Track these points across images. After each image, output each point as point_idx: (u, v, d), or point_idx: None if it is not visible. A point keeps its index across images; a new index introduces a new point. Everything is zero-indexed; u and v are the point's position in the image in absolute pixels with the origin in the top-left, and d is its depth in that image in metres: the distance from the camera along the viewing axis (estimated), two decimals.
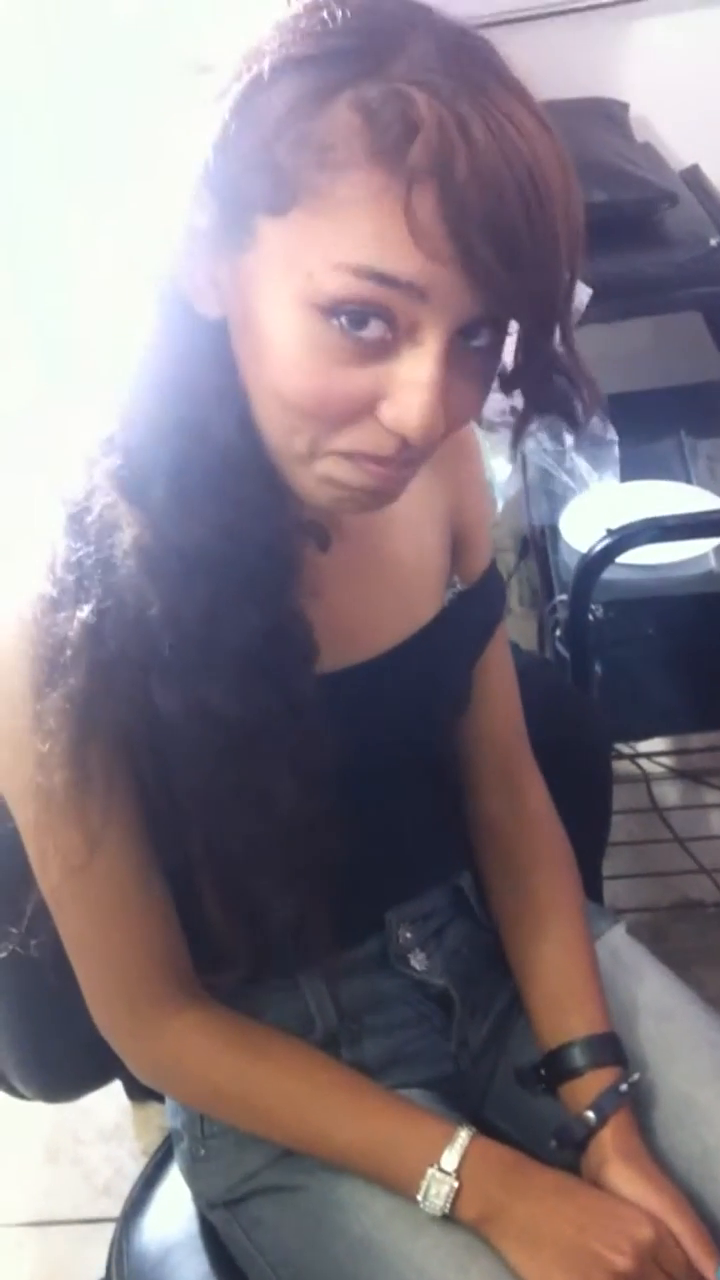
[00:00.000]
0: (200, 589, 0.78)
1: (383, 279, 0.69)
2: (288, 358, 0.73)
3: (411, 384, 0.73)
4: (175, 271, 0.75)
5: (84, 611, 0.79)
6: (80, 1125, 1.95)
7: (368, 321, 0.71)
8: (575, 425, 0.84)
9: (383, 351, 0.72)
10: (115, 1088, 1.24)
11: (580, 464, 1.69)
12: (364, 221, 0.68)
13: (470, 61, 0.69)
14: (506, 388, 0.82)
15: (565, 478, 1.70)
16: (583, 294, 1.65)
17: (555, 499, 1.72)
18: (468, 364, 0.75)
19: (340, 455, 0.77)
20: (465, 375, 0.76)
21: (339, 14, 0.69)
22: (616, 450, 1.71)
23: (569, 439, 1.67)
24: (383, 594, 0.97)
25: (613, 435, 1.70)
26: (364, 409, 0.74)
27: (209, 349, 0.76)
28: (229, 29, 0.75)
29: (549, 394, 0.81)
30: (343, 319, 0.71)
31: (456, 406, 0.76)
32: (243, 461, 0.77)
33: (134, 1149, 1.91)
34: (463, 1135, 0.90)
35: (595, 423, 1.67)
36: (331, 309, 0.70)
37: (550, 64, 2.34)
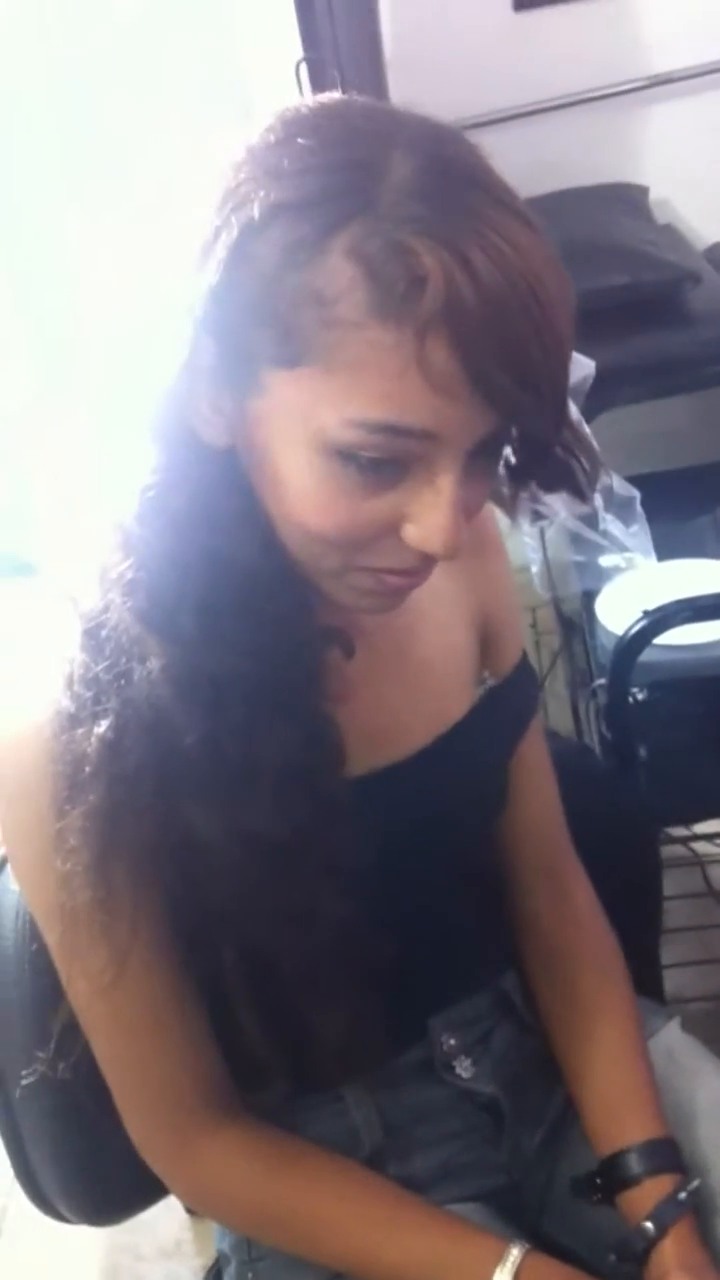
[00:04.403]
0: (236, 712, 0.78)
1: (398, 431, 0.70)
2: (308, 495, 0.74)
3: (433, 508, 0.74)
4: (176, 404, 0.75)
5: (102, 727, 0.78)
6: (140, 1242, 1.91)
7: (384, 464, 0.72)
8: (583, 497, 0.84)
9: (402, 476, 0.73)
10: (174, 1202, 1.21)
11: (612, 523, 1.68)
12: (377, 379, 0.68)
13: (453, 176, 0.69)
14: (517, 480, 0.82)
15: (599, 539, 1.69)
16: (586, 366, 1.65)
17: (589, 569, 1.70)
18: (479, 466, 0.76)
19: (367, 570, 0.78)
20: (477, 476, 0.77)
21: (316, 144, 0.69)
22: (638, 505, 1.70)
23: (598, 500, 1.67)
24: (410, 695, 0.96)
25: (633, 491, 1.69)
26: (388, 530, 0.76)
27: (222, 478, 0.76)
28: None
29: (555, 473, 0.82)
30: (359, 460, 0.72)
31: (472, 506, 0.78)
32: (270, 581, 0.78)
33: (195, 1266, 1.86)
34: (515, 1253, 0.87)
35: (618, 482, 1.67)
36: (347, 456, 0.71)
37: (569, 153, 2.41)
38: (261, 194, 0.68)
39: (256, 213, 0.68)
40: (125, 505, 0.77)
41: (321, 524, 0.75)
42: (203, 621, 0.77)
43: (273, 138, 0.71)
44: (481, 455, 0.75)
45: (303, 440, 0.72)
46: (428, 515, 0.74)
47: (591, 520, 1.65)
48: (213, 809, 0.79)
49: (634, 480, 1.71)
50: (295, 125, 0.71)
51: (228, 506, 0.76)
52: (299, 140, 0.69)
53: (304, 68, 2.09)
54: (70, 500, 0.84)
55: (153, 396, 0.75)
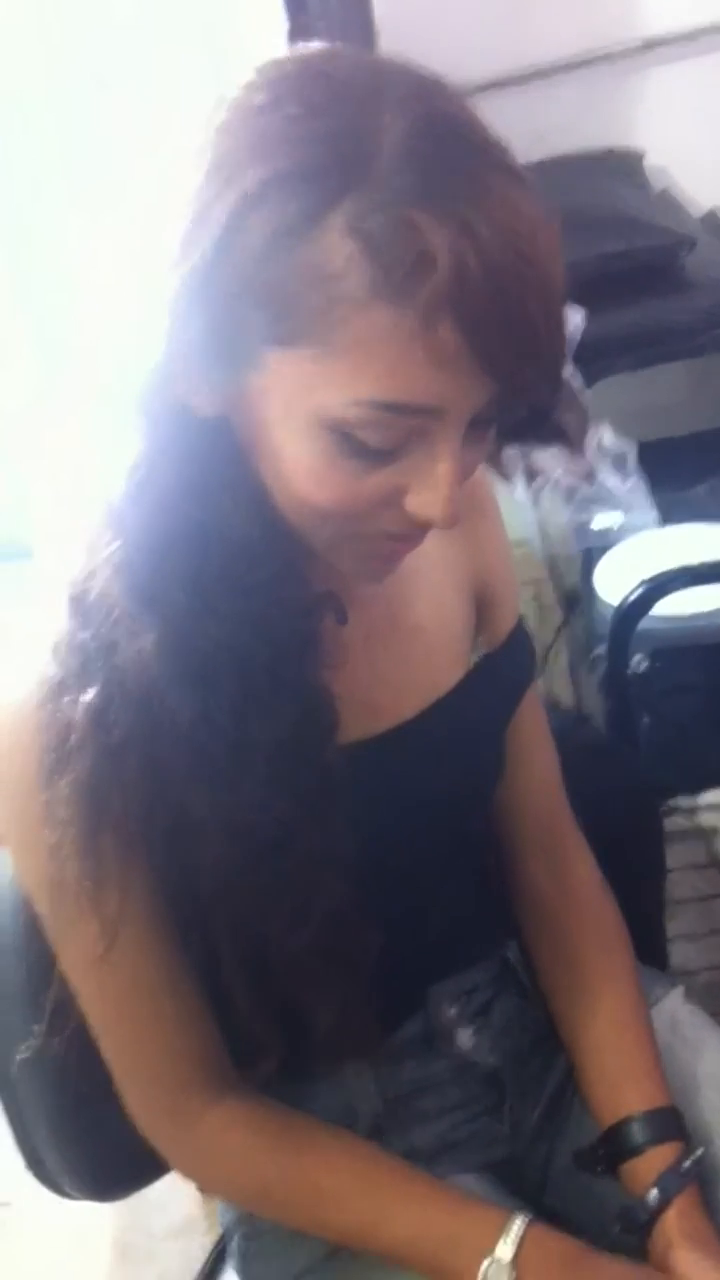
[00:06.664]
0: (230, 686, 0.77)
1: (402, 409, 0.69)
2: (307, 470, 0.73)
3: (432, 477, 0.73)
4: (165, 378, 0.73)
5: (88, 695, 0.77)
6: (151, 1221, 1.91)
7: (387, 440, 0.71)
8: (573, 449, 0.83)
9: (402, 449, 0.73)
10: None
11: (608, 477, 1.66)
12: (380, 359, 0.67)
13: (446, 137, 0.67)
14: (511, 441, 0.81)
15: (596, 495, 1.67)
16: (575, 314, 1.63)
17: (587, 529, 1.68)
18: (475, 433, 0.75)
19: (364, 536, 0.77)
20: (473, 442, 0.76)
21: (304, 110, 0.67)
22: (633, 458, 1.68)
23: (593, 456, 1.65)
24: (404, 661, 0.94)
25: (626, 444, 1.68)
26: (387, 501, 0.75)
27: (212, 447, 0.75)
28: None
29: (546, 429, 0.81)
30: (359, 438, 0.71)
31: (468, 470, 0.77)
32: (262, 549, 0.76)
33: (206, 1243, 1.85)
34: (518, 1223, 0.86)
35: (611, 437, 1.65)
36: (350, 434, 0.70)
37: (563, 119, 2.39)
38: (253, 166, 0.66)
39: (249, 186, 0.66)
40: (113, 478, 0.76)
41: (321, 497, 0.74)
42: (194, 594, 0.75)
43: (259, 99, 0.68)
44: (478, 422, 0.74)
45: (302, 417, 0.71)
46: (427, 485, 0.74)
47: (588, 477, 1.63)
48: (205, 784, 0.78)
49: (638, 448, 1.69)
50: (281, 86, 0.68)
51: (219, 476, 0.75)
52: (287, 106, 0.67)
53: (293, 38, 2.07)
54: (68, 487, 0.83)
55: (140, 370, 0.73)
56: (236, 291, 0.68)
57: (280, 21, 1.93)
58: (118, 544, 0.76)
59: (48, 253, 2.06)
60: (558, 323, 0.69)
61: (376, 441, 0.71)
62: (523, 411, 0.78)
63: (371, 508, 0.75)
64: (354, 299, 0.66)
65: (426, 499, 0.74)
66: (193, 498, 0.75)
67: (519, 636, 1.04)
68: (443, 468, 0.73)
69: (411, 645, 0.95)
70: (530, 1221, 0.86)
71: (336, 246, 0.65)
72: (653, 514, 1.67)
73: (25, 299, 2.08)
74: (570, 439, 0.83)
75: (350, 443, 0.71)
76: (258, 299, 0.68)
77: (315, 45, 0.73)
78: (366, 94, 0.67)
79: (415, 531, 0.78)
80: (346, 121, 0.66)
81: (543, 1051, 1.06)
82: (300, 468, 0.73)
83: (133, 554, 0.76)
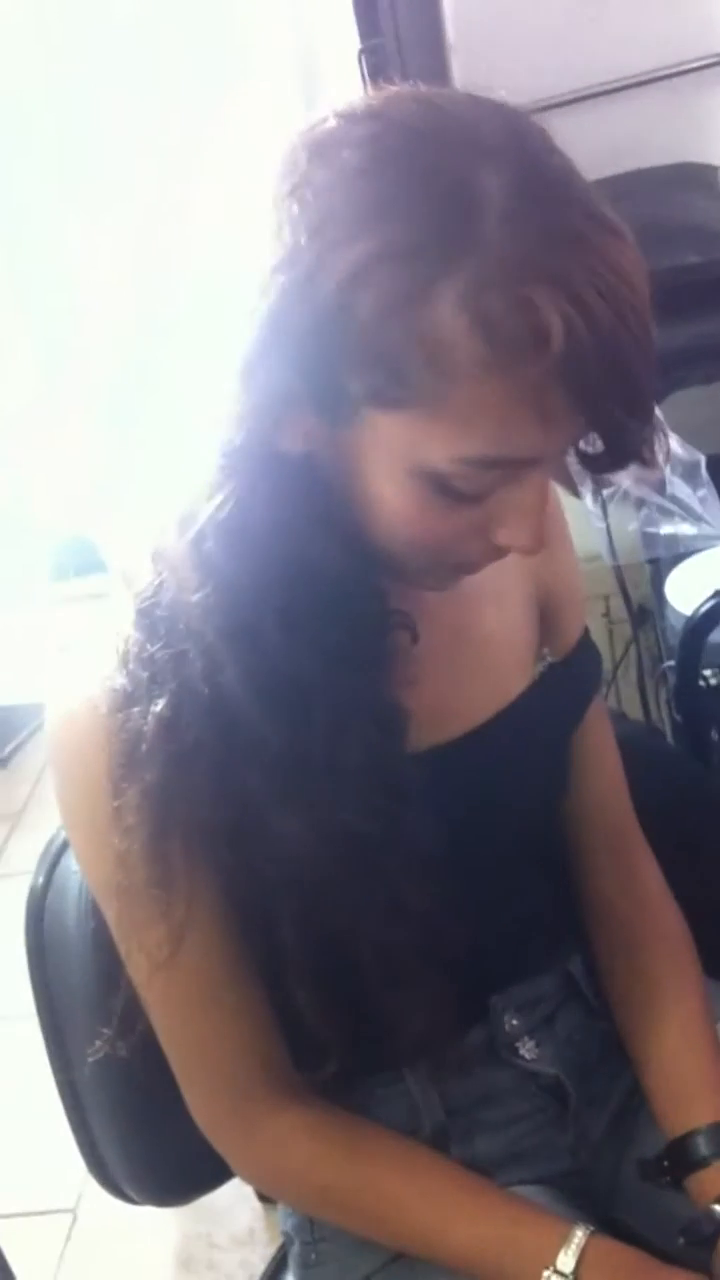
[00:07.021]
0: (319, 715, 0.78)
1: (504, 463, 0.71)
2: (400, 513, 0.74)
3: (522, 512, 0.75)
4: (256, 425, 0.73)
5: (159, 706, 0.78)
6: (214, 1230, 1.91)
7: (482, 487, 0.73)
8: (653, 466, 0.82)
9: (494, 491, 0.74)
10: (247, 1190, 1.20)
11: (679, 487, 1.65)
12: (486, 422, 0.69)
13: (546, 192, 0.67)
14: (597, 470, 0.80)
15: (667, 505, 1.66)
16: None
17: (656, 538, 1.67)
18: (560, 463, 0.77)
19: (449, 564, 0.81)
20: (555, 471, 0.79)
21: (404, 177, 0.67)
22: (704, 469, 1.66)
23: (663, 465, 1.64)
24: (470, 672, 0.95)
25: (697, 454, 1.66)
26: (477, 533, 0.77)
27: (297, 485, 0.76)
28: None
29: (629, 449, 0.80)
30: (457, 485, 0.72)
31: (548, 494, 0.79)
32: (349, 579, 0.78)
33: (268, 1254, 1.85)
34: (579, 1235, 0.85)
35: (681, 446, 1.64)
36: (446, 482, 0.72)
37: (638, 133, 2.36)
38: (359, 239, 0.66)
39: (357, 259, 0.66)
40: (191, 506, 0.77)
41: (413, 535, 0.76)
42: (282, 623, 0.77)
43: (356, 160, 0.68)
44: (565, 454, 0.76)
45: (398, 467, 0.72)
46: (517, 519, 0.76)
47: (658, 486, 1.63)
48: (280, 796, 0.79)
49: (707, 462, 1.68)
50: (377, 147, 0.68)
51: (306, 511, 0.76)
52: (387, 172, 0.67)
53: (366, 57, 2.09)
54: (137, 505, 0.84)
55: (222, 409, 0.74)
56: (341, 357, 0.69)
57: (353, 40, 1.94)
58: (200, 574, 0.77)
59: (48, 253, 2.08)
60: (653, 365, 0.70)
61: (472, 489, 0.73)
62: (613, 445, 0.77)
63: (461, 541, 0.77)
64: (465, 370, 0.67)
65: (517, 532, 0.76)
66: (280, 532, 0.75)
67: (584, 647, 1.04)
68: (533, 502, 0.75)
69: (479, 655, 0.95)
70: (592, 1233, 0.85)
71: (448, 320, 0.66)
72: None
73: (25, 299, 2.10)
74: (650, 456, 0.82)
75: (446, 489, 0.72)
76: (363, 365, 0.69)
77: (398, 91, 0.72)
78: (462, 150, 0.68)
79: (499, 556, 0.80)
80: (447, 186, 0.66)
81: (608, 1064, 1.05)
82: (393, 510, 0.74)
83: (221, 589, 0.76)
